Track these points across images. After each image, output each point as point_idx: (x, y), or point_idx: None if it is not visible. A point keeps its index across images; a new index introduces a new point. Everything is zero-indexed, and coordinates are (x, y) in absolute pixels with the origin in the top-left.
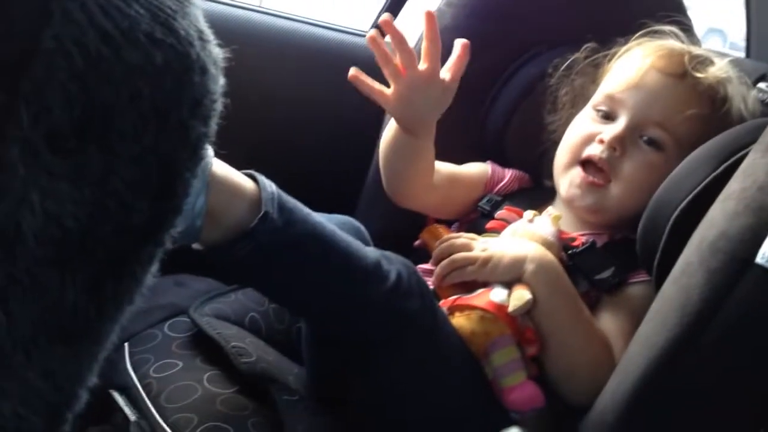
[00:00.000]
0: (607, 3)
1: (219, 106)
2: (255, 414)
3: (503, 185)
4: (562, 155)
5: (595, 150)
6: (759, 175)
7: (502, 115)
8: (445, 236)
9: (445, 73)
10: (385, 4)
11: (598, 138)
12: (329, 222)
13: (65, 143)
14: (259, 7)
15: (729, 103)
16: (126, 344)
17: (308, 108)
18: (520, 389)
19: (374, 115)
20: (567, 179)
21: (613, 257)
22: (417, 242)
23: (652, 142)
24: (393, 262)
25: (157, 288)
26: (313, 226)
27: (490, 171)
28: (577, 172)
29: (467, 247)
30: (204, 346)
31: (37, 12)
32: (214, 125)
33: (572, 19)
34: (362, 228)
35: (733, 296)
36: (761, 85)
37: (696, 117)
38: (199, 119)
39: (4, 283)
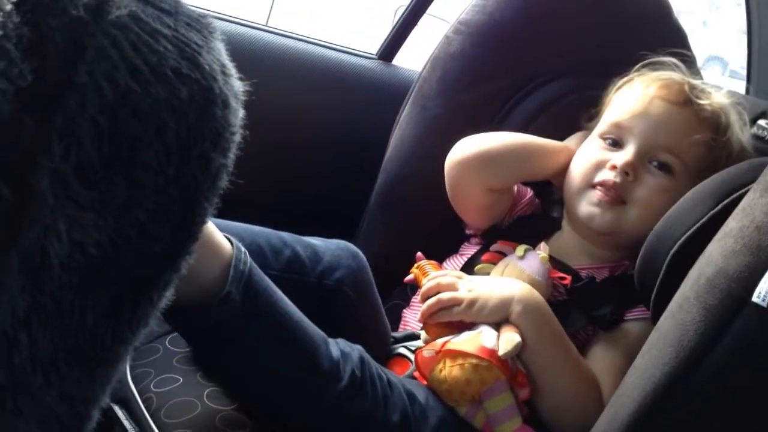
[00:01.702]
0: (612, 35)
1: (238, 138)
2: (255, 430)
3: (522, 205)
4: (573, 181)
5: (607, 175)
6: (757, 214)
7: None
8: (433, 274)
9: None
10: (394, 27)
11: (609, 164)
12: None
13: (93, 174)
14: (269, 26)
15: (731, 131)
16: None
17: (313, 128)
18: None
19: (379, 138)
20: (583, 199)
21: (612, 293)
22: (408, 278)
23: (662, 167)
24: (349, 359)
25: None
26: (276, 315)
27: (514, 194)
28: (594, 192)
29: (452, 287)
30: None
31: (73, 47)
32: (232, 156)
33: (578, 50)
34: (359, 254)
35: (729, 333)
36: (761, 122)
37: (702, 142)
38: (219, 151)
39: (29, 308)
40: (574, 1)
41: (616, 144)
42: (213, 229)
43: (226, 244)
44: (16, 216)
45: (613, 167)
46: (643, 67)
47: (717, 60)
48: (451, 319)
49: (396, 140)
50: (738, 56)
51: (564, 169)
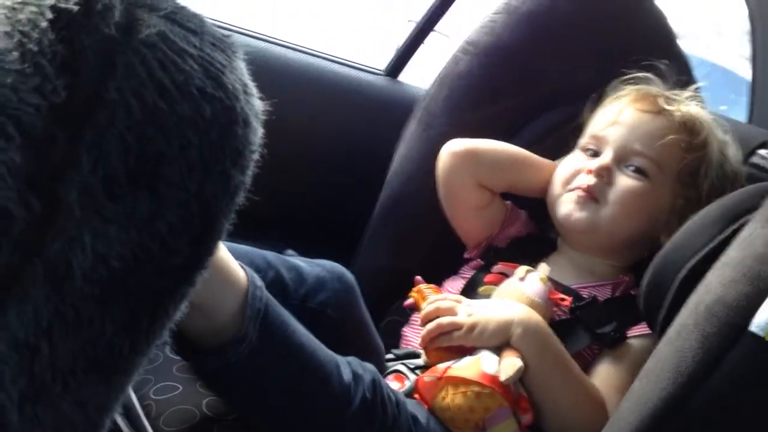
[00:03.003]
0: (617, 63)
1: (256, 156)
2: None
3: (516, 225)
4: (554, 188)
5: (584, 179)
6: (757, 245)
7: None
8: (432, 297)
9: None
10: (404, 44)
11: (586, 170)
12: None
13: (119, 188)
14: (275, 38)
15: (706, 134)
16: None
17: (317, 141)
18: None
19: (383, 154)
20: (561, 201)
21: (615, 311)
22: (407, 302)
23: (637, 170)
24: (360, 382)
25: None
26: (292, 348)
27: (508, 210)
28: (571, 194)
29: (452, 311)
30: None
31: (104, 65)
32: (250, 174)
33: (583, 75)
34: (346, 274)
35: (726, 361)
36: (761, 151)
37: (675, 144)
38: (239, 169)
39: (51, 317)
40: (580, 27)
41: (596, 154)
42: (228, 256)
43: (241, 274)
44: (44, 227)
45: (590, 171)
46: (620, 83)
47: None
48: (451, 343)
49: (400, 156)
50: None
51: None
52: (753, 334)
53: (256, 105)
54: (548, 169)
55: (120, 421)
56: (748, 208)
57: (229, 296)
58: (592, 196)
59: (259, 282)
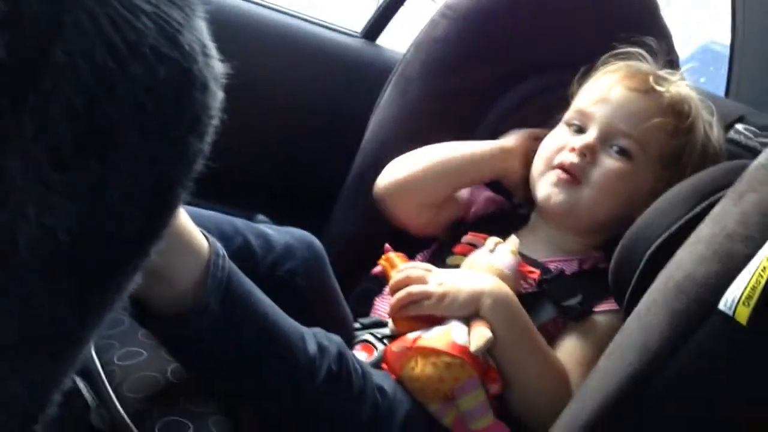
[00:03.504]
0: (599, 33)
1: (216, 122)
2: (217, 412)
3: (479, 207)
4: (537, 165)
5: (566, 157)
6: (729, 222)
7: (490, 130)
8: (402, 266)
9: None
10: (381, 5)
11: (569, 147)
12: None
13: (66, 157)
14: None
15: (693, 118)
16: None
17: (290, 104)
18: (491, 431)
19: (359, 119)
20: (543, 181)
21: (582, 285)
22: (376, 269)
23: (621, 152)
24: (326, 354)
25: None
26: (255, 319)
27: (467, 193)
28: (552, 173)
29: (422, 280)
30: None
31: (49, 22)
32: (209, 141)
33: (563, 45)
34: (315, 243)
35: (693, 339)
36: (738, 126)
37: (661, 126)
38: (197, 135)
39: None
40: None
41: (581, 130)
42: (190, 224)
43: (204, 243)
44: None
45: (573, 149)
46: (611, 57)
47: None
48: (420, 312)
49: (375, 122)
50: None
51: (505, 170)
52: (721, 313)
53: (216, 67)
54: (493, 157)
55: (82, 386)
56: (722, 186)
57: (190, 265)
58: (573, 177)
59: (222, 251)
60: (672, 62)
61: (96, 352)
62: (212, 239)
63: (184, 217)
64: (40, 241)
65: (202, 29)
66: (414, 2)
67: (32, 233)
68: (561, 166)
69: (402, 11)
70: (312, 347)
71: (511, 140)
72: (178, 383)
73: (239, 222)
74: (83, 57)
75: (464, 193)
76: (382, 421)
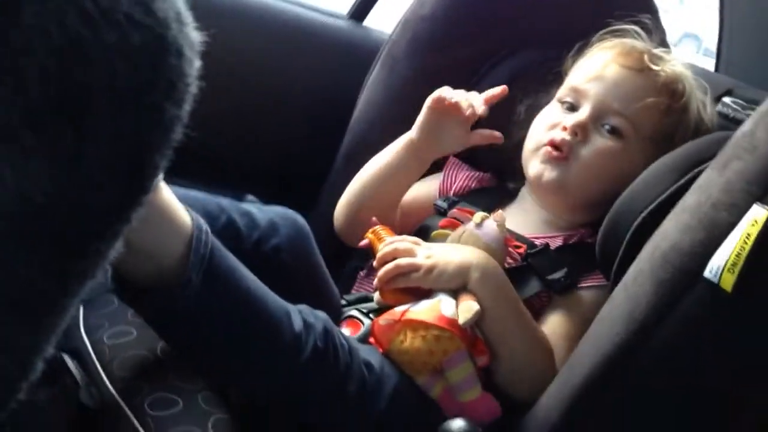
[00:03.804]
0: (585, 6)
1: (194, 89)
2: (206, 388)
3: (457, 187)
4: (528, 143)
5: (557, 134)
6: (713, 191)
7: None
8: (389, 239)
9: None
10: None
11: (561, 125)
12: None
13: (40, 120)
14: None
15: (687, 98)
16: (80, 307)
17: (279, 87)
18: (479, 403)
19: (347, 100)
20: (534, 158)
21: (567, 259)
22: (362, 242)
23: (613, 131)
24: (312, 331)
25: None
26: (238, 295)
27: (439, 181)
28: (543, 150)
29: (410, 252)
30: None
31: None
32: (187, 108)
33: (551, 21)
34: (299, 220)
35: (680, 307)
36: (726, 99)
37: (654, 106)
38: (173, 102)
39: None
40: None
41: (573, 108)
42: (173, 201)
43: (187, 219)
44: None
45: (565, 128)
46: (606, 34)
47: (692, 37)
48: (409, 285)
49: (363, 102)
50: (713, 35)
51: (424, 154)
52: (707, 280)
53: (192, 35)
54: (403, 152)
55: (71, 364)
56: (707, 157)
57: (173, 240)
58: (563, 154)
59: (206, 227)
60: (663, 41)
61: (86, 332)
62: (195, 215)
63: (167, 193)
64: (15, 204)
65: None
66: None
67: (7, 196)
68: (551, 143)
69: None
70: (297, 324)
71: (415, 125)
72: (168, 361)
73: (224, 201)
74: (54, 21)
75: (433, 182)
76: (369, 395)
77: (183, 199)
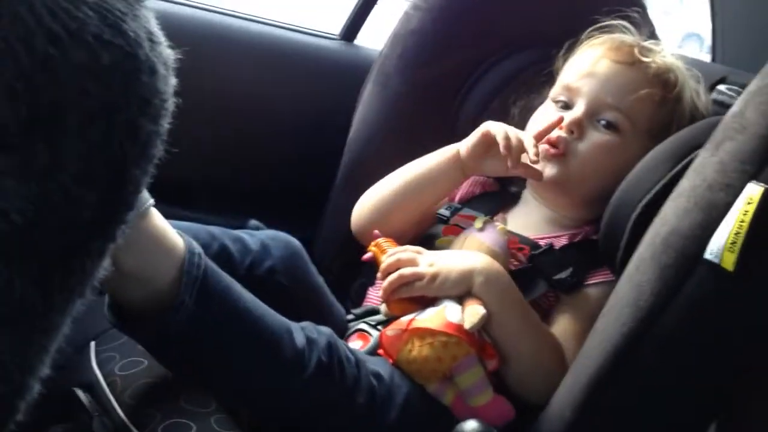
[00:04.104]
0: (572, 7)
1: (170, 105)
2: (218, 411)
3: (463, 193)
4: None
5: (554, 132)
6: (708, 173)
7: (473, 115)
8: (392, 250)
9: None
10: (354, 8)
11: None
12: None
13: (12, 139)
14: (232, 11)
15: (680, 87)
16: (92, 343)
17: (276, 112)
18: (492, 406)
19: (344, 119)
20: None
21: (572, 258)
22: (366, 256)
23: (609, 125)
24: (315, 346)
25: None
26: (235, 314)
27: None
28: (541, 148)
29: (413, 262)
30: None
31: None
32: (165, 124)
33: (538, 22)
34: (292, 241)
35: (684, 291)
36: (720, 87)
37: (648, 97)
38: (149, 118)
39: None
40: None
41: (567, 106)
42: (165, 226)
43: (179, 242)
44: None
45: (561, 126)
46: (594, 30)
47: (694, 37)
48: (413, 294)
49: (359, 119)
50: None
51: (465, 172)
52: (708, 262)
53: (165, 53)
54: (446, 167)
55: (83, 398)
56: (701, 142)
57: (165, 264)
58: (561, 151)
59: (199, 250)
60: (653, 34)
61: (98, 365)
62: (188, 238)
63: (158, 219)
64: None
65: (148, 18)
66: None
67: None
68: (548, 141)
69: (379, 10)
70: (300, 340)
71: (465, 141)
72: (179, 386)
73: (215, 229)
74: (22, 44)
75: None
76: (379, 406)
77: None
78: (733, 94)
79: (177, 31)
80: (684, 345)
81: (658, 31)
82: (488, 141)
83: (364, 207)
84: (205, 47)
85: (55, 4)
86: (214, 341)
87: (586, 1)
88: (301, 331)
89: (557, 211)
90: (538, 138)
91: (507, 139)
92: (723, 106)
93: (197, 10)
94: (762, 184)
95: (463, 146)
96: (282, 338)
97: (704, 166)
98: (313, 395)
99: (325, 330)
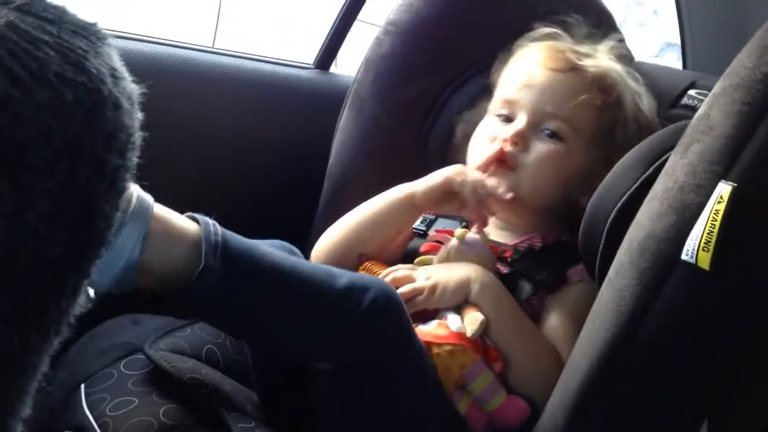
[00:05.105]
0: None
1: (137, 139)
2: None
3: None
4: (472, 159)
5: (498, 147)
6: (679, 175)
7: (442, 137)
8: (384, 271)
9: None
10: (327, 36)
11: (500, 138)
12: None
13: None
14: (205, 46)
15: (619, 90)
16: (82, 385)
17: (254, 145)
18: (507, 407)
19: (323, 147)
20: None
21: (550, 258)
22: None
23: (553, 135)
24: (366, 290)
25: (114, 327)
26: (265, 268)
27: None
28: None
29: (410, 279)
30: (160, 381)
31: None
32: (133, 158)
33: (506, 40)
34: (295, 251)
35: (663, 293)
36: (691, 92)
37: (588, 103)
38: (115, 152)
39: None
40: None
41: (509, 120)
42: (170, 217)
43: (191, 225)
44: None
45: (505, 140)
46: (524, 40)
47: (672, 47)
48: (415, 309)
49: (337, 145)
50: None
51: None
52: (685, 263)
53: (129, 88)
54: (399, 208)
55: None
56: (671, 146)
57: (181, 248)
58: (508, 165)
59: (212, 221)
60: (606, 35)
61: (88, 407)
62: (201, 217)
63: (163, 212)
64: None
65: (110, 55)
66: (360, 28)
67: None
68: (496, 158)
69: (351, 38)
70: (342, 281)
71: (422, 183)
72: (172, 423)
73: None
74: None
75: None
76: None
77: None
78: (702, 97)
79: (151, 68)
80: (667, 347)
81: (635, 43)
82: (448, 190)
83: (322, 250)
84: (179, 83)
85: (15, 45)
86: (251, 296)
87: (545, 15)
88: (345, 275)
89: (519, 218)
90: (483, 169)
91: (473, 193)
92: (693, 110)
93: (165, 47)
94: (731, 182)
95: (420, 187)
96: (323, 281)
97: (675, 168)
98: (370, 334)
99: (377, 282)
